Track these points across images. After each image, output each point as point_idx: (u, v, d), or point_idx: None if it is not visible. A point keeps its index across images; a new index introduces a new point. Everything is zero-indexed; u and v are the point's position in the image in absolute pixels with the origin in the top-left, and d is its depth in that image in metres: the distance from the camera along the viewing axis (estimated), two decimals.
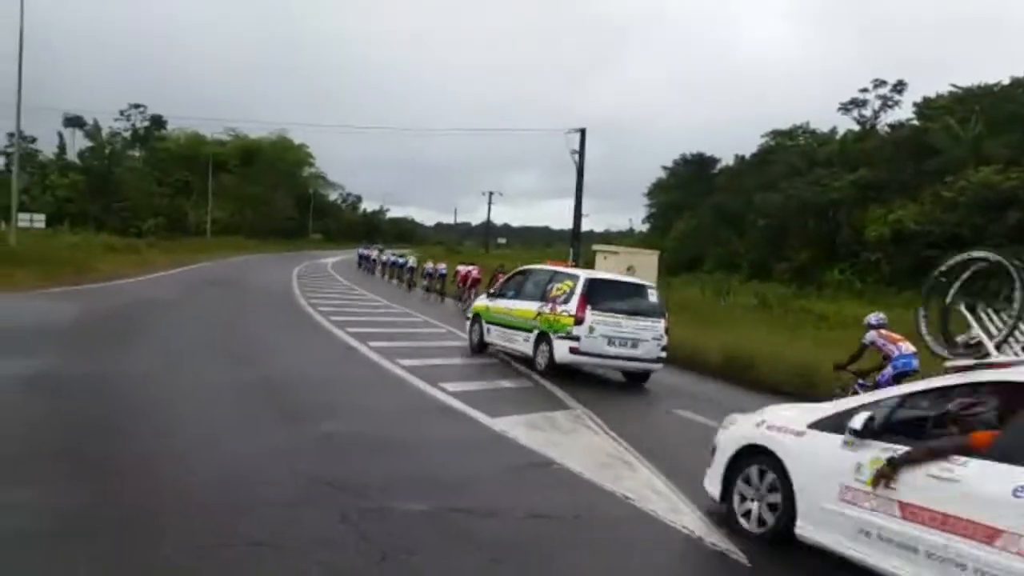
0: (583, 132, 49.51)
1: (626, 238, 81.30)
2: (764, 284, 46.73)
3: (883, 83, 66.96)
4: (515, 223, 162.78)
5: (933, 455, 4.98)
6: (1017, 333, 5.74)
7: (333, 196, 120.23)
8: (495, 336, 14.88)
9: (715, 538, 6.02)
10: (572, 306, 12.93)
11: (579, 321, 12.70)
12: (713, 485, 6.59)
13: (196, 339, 14.51)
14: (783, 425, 6.13)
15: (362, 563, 4.91)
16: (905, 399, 5.73)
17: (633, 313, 13.17)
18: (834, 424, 5.66)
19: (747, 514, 6.16)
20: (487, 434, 8.94)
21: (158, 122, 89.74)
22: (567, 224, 60.55)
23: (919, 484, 4.96)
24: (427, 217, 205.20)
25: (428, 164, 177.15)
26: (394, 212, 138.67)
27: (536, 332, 13.50)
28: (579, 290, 13.01)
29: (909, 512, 4.97)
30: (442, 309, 26.37)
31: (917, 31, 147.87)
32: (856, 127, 69.18)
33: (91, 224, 56.18)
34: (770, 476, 6.01)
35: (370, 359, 13.63)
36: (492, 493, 6.71)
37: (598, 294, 12.95)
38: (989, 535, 4.51)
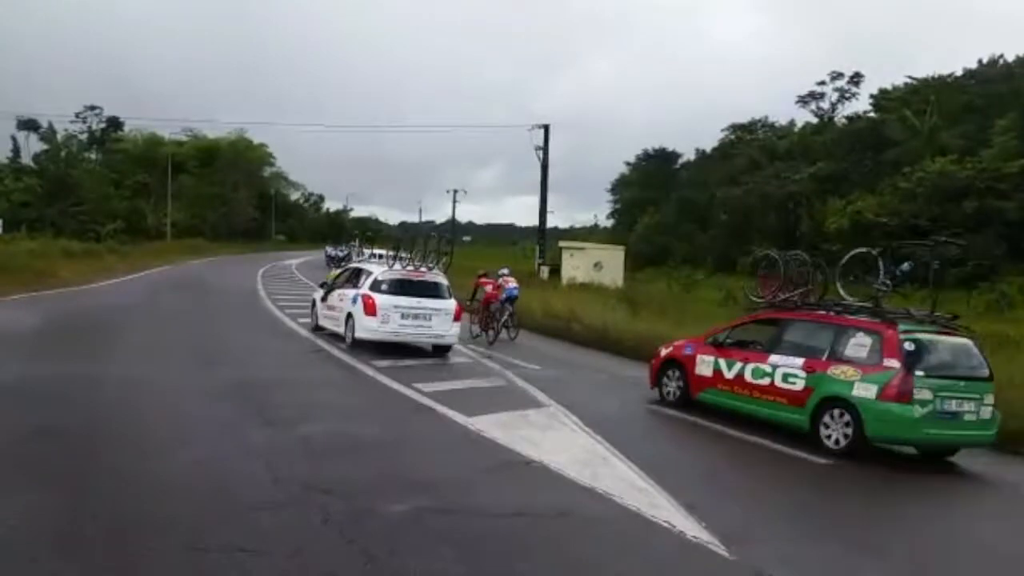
0: (547, 128, 49.59)
1: (591, 234, 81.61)
2: (729, 278, 47.16)
3: (840, 76, 68.03)
4: (480, 220, 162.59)
5: None
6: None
7: (295, 196, 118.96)
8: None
9: (695, 531, 6.10)
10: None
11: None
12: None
13: (165, 344, 14.33)
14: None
15: (346, 565, 4.91)
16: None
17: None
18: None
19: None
20: (464, 434, 8.96)
21: (115, 124, 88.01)
22: (532, 221, 60.59)
23: None
24: (391, 216, 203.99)
25: (392, 162, 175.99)
26: (358, 211, 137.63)
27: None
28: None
29: None
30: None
31: (873, 23, 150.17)
32: (814, 120, 70.18)
33: (48, 229, 55.05)
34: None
35: (343, 360, 13.57)
36: (473, 492, 6.73)
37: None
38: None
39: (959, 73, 59.32)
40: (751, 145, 68.90)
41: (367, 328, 14.94)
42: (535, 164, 50.23)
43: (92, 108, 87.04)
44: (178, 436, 7.85)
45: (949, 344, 10.06)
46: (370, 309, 14.86)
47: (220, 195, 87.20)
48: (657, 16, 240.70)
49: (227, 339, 15.84)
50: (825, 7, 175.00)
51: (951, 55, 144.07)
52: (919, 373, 9.28)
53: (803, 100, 70.51)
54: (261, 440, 7.81)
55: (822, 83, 69.15)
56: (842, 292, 10.77)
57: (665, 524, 6.25)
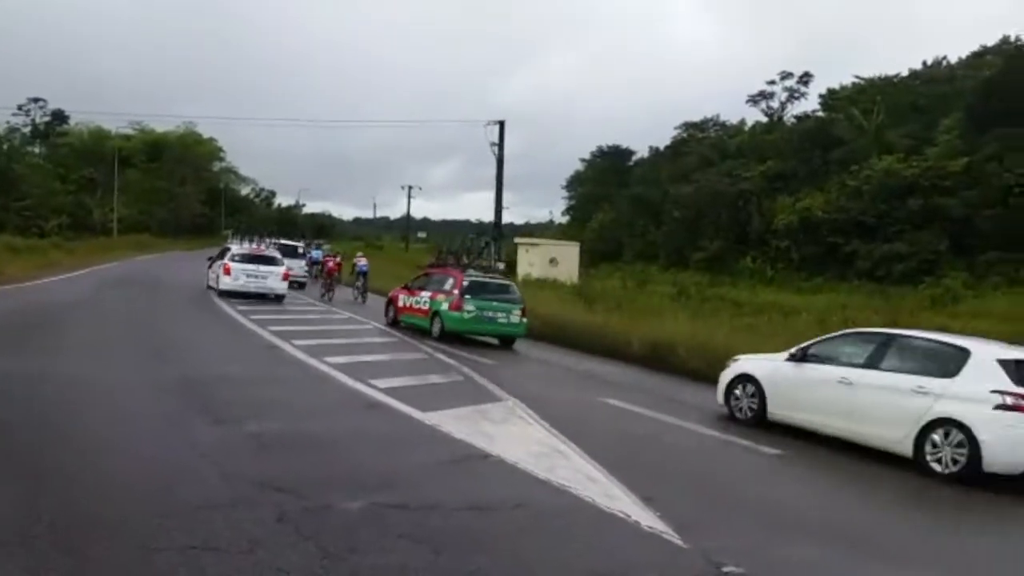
0: (502, 124, 49.56)
1: (546, 230, 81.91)
2: (681, 273, 47.73)
3: (789, 75, 69.22)
4: (435, 216, 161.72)
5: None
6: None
7: (246, 191, 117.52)
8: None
9: (651, 522, 6.16)
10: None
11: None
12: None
13: (111, 341, 14.03)
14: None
15: (303, 563, 4.84)
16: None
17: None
18: None
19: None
20: (420, 429, 8.92)
21: (60, 117, 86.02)
22: (488, 216, 60.53)
23: None
24: (345, 212, 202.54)
25: (345, 158, 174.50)
26: (311, 207, 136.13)
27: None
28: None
29: None
30: (366, 307, 26.11)
31: (822, 25, 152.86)
32: (764, 119, 71.25)
33: None
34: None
35: (295, 357, 13.42)
36: (429, 487, 6.70)
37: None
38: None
39: (904, 74, 60.84)
40: (703, 143, 69.79)
41: (225, 283, 24.24)
42: (491, 160, 50.09)
43: (36, 100, 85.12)
44: (125, 434, 7.68)
45: (495, 282, 19.32)
46: (227, 271, 24.34)
47: (167, 190, 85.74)
48: (614, 15, 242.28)
49: (175, 336, 15.56)
50: (776, 9, 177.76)
51: (897, 56, 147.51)
52: (467, 296, 17.68)
53: (753, 99, 71.62)
54: (210, 438, 7.66)
55: (772, 83, 70.34)
56: (496, 263, 22.84)
57: (621, 515, 6.30)
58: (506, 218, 55.59)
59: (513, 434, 8.98)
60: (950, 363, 9.31)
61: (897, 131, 52.20)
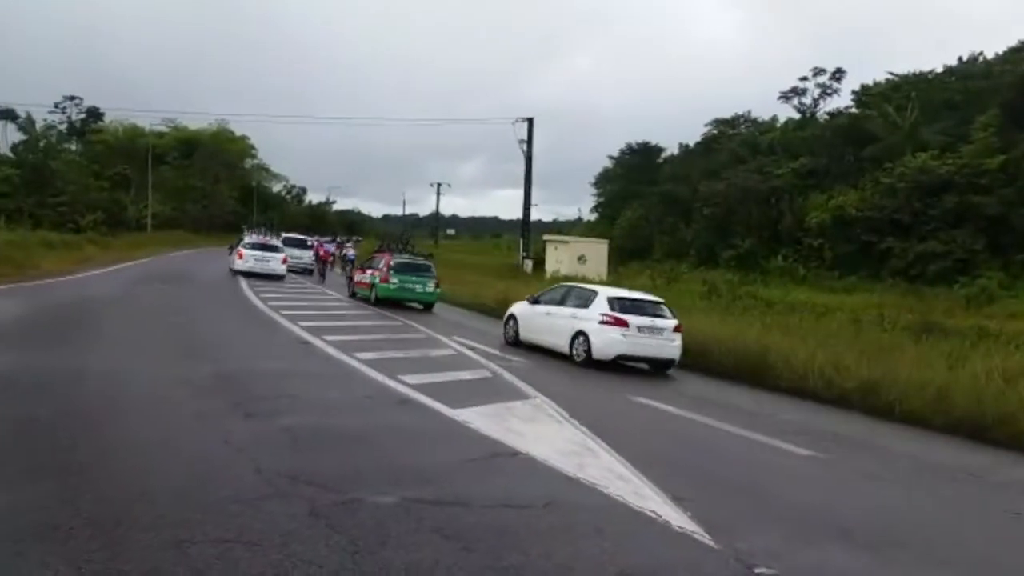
0: (531, 121, 49.61)
1: (575, 227, 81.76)
2: (711, 271, 47.34)
3: (822, 71, 68.30)
4: (463, 213, 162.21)
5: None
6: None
7: (277, 188, 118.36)
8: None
9: (681, 522, 6.13)
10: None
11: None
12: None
13: (146, 336, 14.22)
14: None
15: (334, 556, 4.88)
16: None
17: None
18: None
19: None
20: (449, 425, 8.95)
21: (95, 114, 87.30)
22: (516, 214, 60.58)
23: None
24: (374, 209, 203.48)
25: (375, 155, 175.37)
26: (340, 204, 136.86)
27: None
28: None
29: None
30: (405, 308, 26.23)
31: (855, 20, 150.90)
32: (796, 115, 70.47)
33: (27, 220, 54.38)
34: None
35: (326, 352, 13.51)
36: (459, 484, 6.72)
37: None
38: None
39: (939, 70, 59.80)
40: (734, 140, 69.14)
41: (238, 264, 30.69)
42: (519, 157, 50.27)
43: (72, 98, 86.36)
44: (160, 429, 7.77)
45: (415, 262, 24.64)
46: (240, 256, 30.98)
47: (201, 187, 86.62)
48: (642, 10, 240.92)
49: (209, 331, 15.74)
50: (808, 4, 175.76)
51: (932, 52, 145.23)
52: (394, 271, 23.54)
53: (785, 96, 70.77)
54: (244, 432, 7.74)
55: (804, 79, 69.43)
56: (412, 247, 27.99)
57: (651, 514, 6.28)
58: (534, 215, 55.63)
59: (542, 431, 8.98)
60: (588, 300, 15.77)
61: (931, 128, 51.36)
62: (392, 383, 11.02)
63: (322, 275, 35.28)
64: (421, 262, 25.02)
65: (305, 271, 36.23)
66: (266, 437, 7.65)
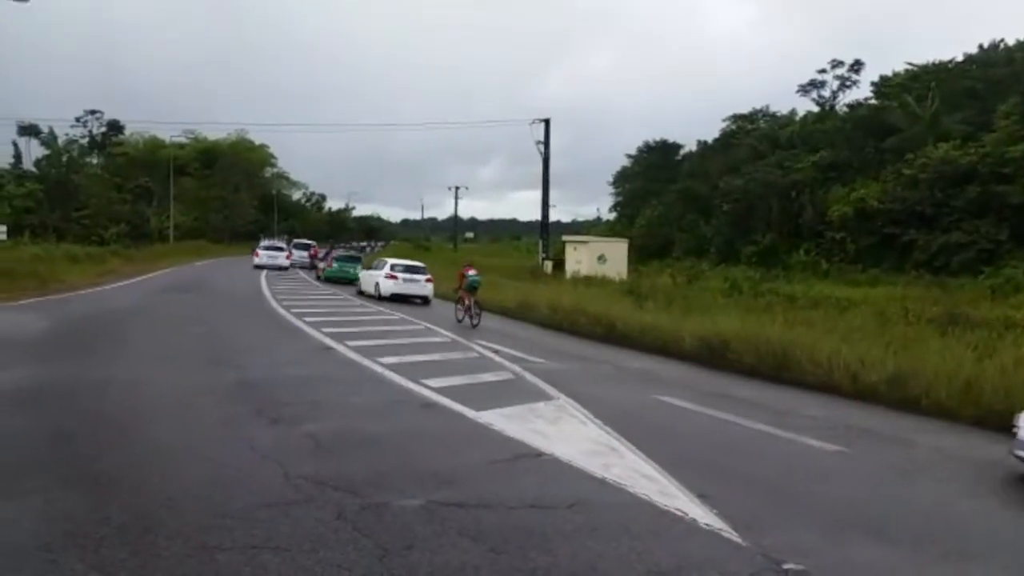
0: (547, 122, 49.62)
1: (594, 227, 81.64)
2: (733, 268, 47.09)
3: (840, 63, 67.98)
4: (482, 216, 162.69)
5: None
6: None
7: (297, 195, 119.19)
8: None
9: (709, 519, 6.11)
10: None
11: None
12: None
13: (171, 345, 14.36)
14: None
15: (363, 560, 4.91)
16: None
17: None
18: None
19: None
20: (473, 428, 8.97)
21: (115, 127, 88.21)
22: (534, 215, 60.63)
23: None
24: (393, 214, 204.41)
25: (393, 160, 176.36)
26: (360, 210, 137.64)
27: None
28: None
29: None
30: (427, 310, 26.38)
31: (872, 10, 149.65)
32: (815, 108, 69.99)
33: (51, 234, 55.08)
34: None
35: (349, 358, 13.58)
36: (485, 485, 6.73)
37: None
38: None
39: (959, 59, 59.17)
40: (752, 135, 68.77)
41: (255, 261, 44.64)
42: (536, 159, 50.34)
43: (92, 112, 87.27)
44: (187, 437, 7.85)
45: (349, 255, 43.67)
46: (256, 255, 45.67)
47: (221, 196, 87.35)
48: (655, 7, 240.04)
49: (234, 338, 15.86)
50: None
51: (951, 41, 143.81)
52: (335, 261, 39.57)
53: (804, 89, 70.46)
54: (270, 438, 7.81)
55: (823, 71, 69.14)
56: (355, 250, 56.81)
57: (678, 512, 6.26)
58: (553, 216, 55.69)
59: (566, 432, 8.97)
60: (383, 265, 29.84)
61: (953, 118, 50.84)
62: (415, 387, 11.07)
63: (313, 267, 47.40)
64: (354, 254, 46.06)
65: (304, 266, 48.88)
66: (291, 442, 7.70)
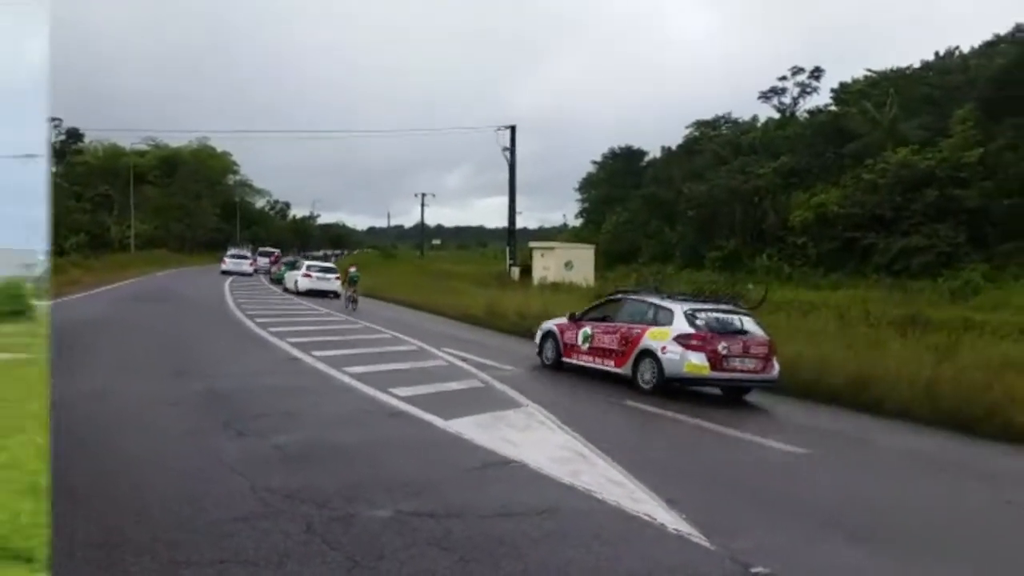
0: (513, 129, 49.76)
1: (560, 233, 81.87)
2: (697, 273, 47.47)
3: (801, 70, 68.89)
4: (449, 223, 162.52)
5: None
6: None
7: (260, 203, 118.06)
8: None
9: (676, 524, 6.17)
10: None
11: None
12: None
13: (135, 356, 14.14)
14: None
15: (332, 573, 4.88)
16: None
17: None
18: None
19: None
20: (442, 436, 8.95)
21: (74, 135, 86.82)
22: (502, 222, 60.65)
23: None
24: (359, 221, 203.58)
25: (358, 168, 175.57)
26: (325, 218, 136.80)
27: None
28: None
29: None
30: (395, 320, 26.26)
31: (832, 18, 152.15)
32: (776, 115, 70.88)
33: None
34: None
35: (316, 368, 13.48)
36: (454, 494, 6.72)
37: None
38: None
39: (917, 65, 60.32)
40: (715, 141, 69.44)
41: (222, 267, 50.04)
42: (503, 166, 50.43)
43: (51, 119, 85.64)
44: (154, 449, 7.74)
45: (292, 260, 48.35)
46: (223, 262, 50.95)
47: (183, 205, 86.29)
48: (620, 16, 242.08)
49: (199, 350, 15.67)
50: (784, 4, 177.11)
51: (909, 48, 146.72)
52: (283, 266, 47.51)
53: (765, 95, 71.28)
54: (236, 451, 7.72)
55: (783, 78, 69.98)
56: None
57: (647, 518, 6.31)
58: (520, 223, 55.79)
59: (535, 440, 8.99)
60: (301, 266, 37.77)
61: (911, 123, 51.76)
62: (383, 396, 11.02)
63: (267, 273, 52.43)
64: (295, 259, 48.82)
65: (267, 272, 52.41)
66: (260, 454, 7.63)
